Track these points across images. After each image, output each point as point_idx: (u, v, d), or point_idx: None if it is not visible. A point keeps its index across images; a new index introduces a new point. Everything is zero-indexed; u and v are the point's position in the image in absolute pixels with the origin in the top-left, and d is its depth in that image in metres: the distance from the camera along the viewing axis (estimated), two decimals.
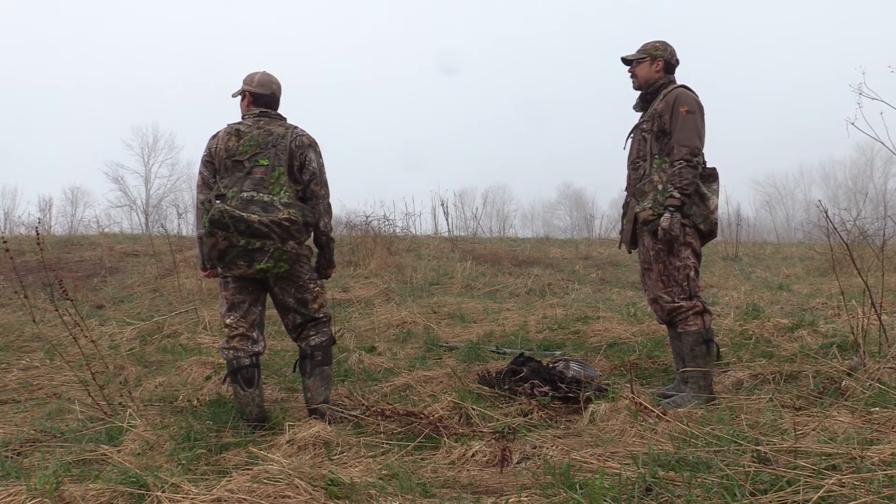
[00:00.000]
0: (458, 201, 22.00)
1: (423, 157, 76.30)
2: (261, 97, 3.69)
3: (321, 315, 3.68)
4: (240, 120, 3.69)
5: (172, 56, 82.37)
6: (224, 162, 3.56)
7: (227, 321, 3.60)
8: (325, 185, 3.68)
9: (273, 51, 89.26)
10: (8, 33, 73.06)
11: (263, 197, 3.48)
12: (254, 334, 3.59)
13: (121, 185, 42.69)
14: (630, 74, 4.02)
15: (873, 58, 5.45)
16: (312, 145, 3.65)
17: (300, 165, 3.59)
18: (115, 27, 75.84)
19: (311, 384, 3.62)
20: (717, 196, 3.83)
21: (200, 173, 3.67)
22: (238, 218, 3.35)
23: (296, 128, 3.66)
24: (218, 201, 3.45)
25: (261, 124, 3.60)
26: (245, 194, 3.48)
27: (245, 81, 3.72)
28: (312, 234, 3.70)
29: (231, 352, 3.55)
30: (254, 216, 3.37)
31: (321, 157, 3.69)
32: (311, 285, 3.65)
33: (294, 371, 3.91)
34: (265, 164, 3.52)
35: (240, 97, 3.75)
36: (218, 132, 3.65)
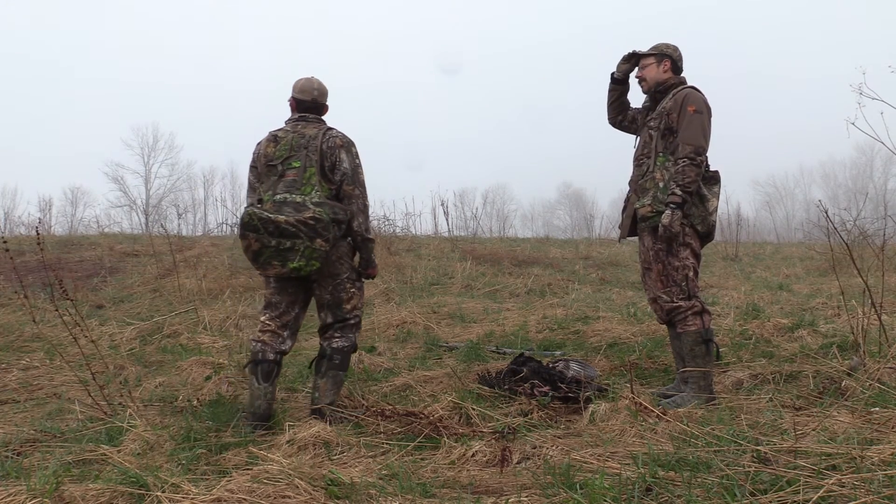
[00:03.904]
0: (458, 201, 22.06)
1: (423, 157, 76.39)
2: (302, 102, 3.82)
3: (351, 318, 3.73)
4: (281, 126, 3.82)
5: (172, 56, 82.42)
6: (263, 167, 3.72)
7: (262, 318, 3.74)
8: (359, 185, 3.72)
9: (273, 50, 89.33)
10: (8, 33, 73.09)
11: (296, 198, 3.58)
12: (284, 333, 3.70)
13: (121, 185, 42.76)
14: (638, 79, 4.02)
15: (873, 58, 5.46)
16: (345, 146, 3.70)
17: (331, 166, 3.66)
18: (114, 26, 75.88)
19: (321, 384, 3.64)
20: (717, 199, 3.83)
21: (248, 179, 3.88)
22: (266, 219, 3.46)
23: (330, 129, 3.75)
24: (257, 205, 3.60)
25: (297, 128, 3.73)
26: (278, 197, 3.60)
27: (292, 87, 3.86)
28: (349, 234, 3.75)
29: (259, 344, 3.66)
30: (281, 217, 3.47)
31: (356, 157, 3.74)
32: (349, 285, 3.72)
33: (309, 367, 3.92)
34: (297, 165, 3.63)
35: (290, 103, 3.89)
36: (261, 139, 3.81)
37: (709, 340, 3.78)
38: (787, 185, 50.91)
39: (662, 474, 2.35)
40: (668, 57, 3.94)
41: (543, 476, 2.58)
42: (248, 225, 3.48)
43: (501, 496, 2.49)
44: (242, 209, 3.74)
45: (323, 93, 3.85)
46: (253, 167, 3.82)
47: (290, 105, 3.86)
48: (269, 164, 3.69)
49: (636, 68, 4.04)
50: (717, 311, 6.23)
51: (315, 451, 3.02)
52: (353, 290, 3.73)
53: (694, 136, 3.71)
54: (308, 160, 3.62)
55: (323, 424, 3.27)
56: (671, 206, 3.68)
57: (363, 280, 3.84)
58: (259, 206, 3.60)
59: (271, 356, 3.63)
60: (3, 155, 54.92)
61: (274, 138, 3.74)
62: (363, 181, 3.75)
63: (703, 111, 3.78)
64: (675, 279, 3.79)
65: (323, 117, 3.87)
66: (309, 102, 3.81)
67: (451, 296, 8.09)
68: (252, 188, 3.82)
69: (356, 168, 3.72)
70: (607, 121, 4.23)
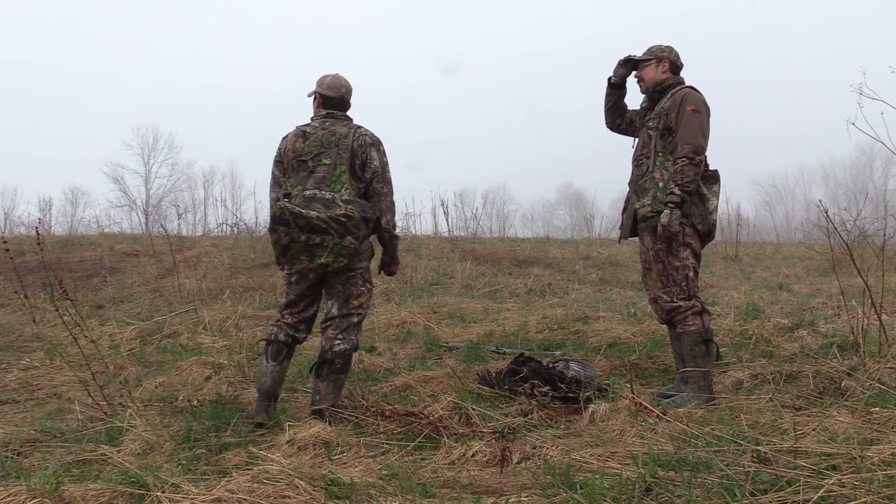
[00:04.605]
0: (458, 201, 22.10)
1: (423, 157, 76.30)
2: (329, 99, 3.84)
3: (355, 315, 3.74)
4: (308, 121, 3.84)
5: (172, 56, 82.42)
6: (291, 162, 3.74)
7: (283, 312, 3.79)
8: (388, 182, 3.77)
9: (273, 51, 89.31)
10: (7, 33, 73.08)
11: (325, 194, 3.61)
12: (300, 327, 3.78)
13: (121, 185, 42.72)
14: (637, 79, 4.03)
15: (874, 58, 5.46)
16: (375, 144, 3.74)
17: (362, 164, 3.70)
18: (114, 26, 75.87)
19: (322, 388, 3.64)
20: (717, 198, 3.84)
21: (272, 173, 3.88)
22: (298, 214, 3.50)
23: (359, 127, 3.78)
24: (285, 199, 3.62)
25: (326, 125, 3.76)
26: (308, 192, 3.63)
27: (317, 83, 3.88)
28: (376, 231, 3.79)
29: (275, 327, 3.76)
30: (312, 213, 3.50)
31: (385, 155, 3.79)
32: (360, 282, 3.74)
33: (310, 371, 3.94)
34: (327, 162, 3.66)
35: (312, 98, 3.90)
36: (287, 134, 3.82)
37: (709, 340, 3.78)
38: (787, 185, 50.97)
39: (662, 474, 2.35)
40: (666, 58, 3.95)
41: (543, 476, 2.58)
42: (280, 219, 3.52)
43: (501, 496, 2.49)
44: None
45: (349, 90, 3.89)
46: (279, 162, 3.84)
47: (316, 101, 3.88)
48: (298, 159, 3.71)
49: (633, 73, 4.06)
50: (717, 311, 6.23)
51: (315, 451, 3.02)
52: (363, 287, 3.75)
53: (692, 136, 3.71)
54: (339, 158, 3.66)
55: (323, 424, 3.26)
56: (670, 205, 3.69)
57: (372, 283, 3.85)
58: (288, 200, 3.62)
59: (283, 337, 3.71)
60: (3, 155, 54.99)
61: (302, 134, 3.76)
62: (391, 179, 3.80)
63: (702, 110, 3.78)
64: (675, 279, 3.79)
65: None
66: (336, 99, 3.84)
67: (451, 296, 8.09)
68: (277, 182, 3.84)
69: (385, 166, 3.77)
70: (605, 125, 4.24)
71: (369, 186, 3.72)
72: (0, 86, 65.87)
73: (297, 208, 3.51)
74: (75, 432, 3.48)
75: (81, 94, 69.91)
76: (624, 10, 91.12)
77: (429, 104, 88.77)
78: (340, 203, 3.57)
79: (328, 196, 3.60)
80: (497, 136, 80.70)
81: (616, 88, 4.14)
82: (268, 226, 3.64)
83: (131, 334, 6.27)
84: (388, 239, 3.84)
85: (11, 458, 3.17)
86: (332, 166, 3.65)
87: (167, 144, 45.11)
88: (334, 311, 3.72)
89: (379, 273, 4.00)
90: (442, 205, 14.83)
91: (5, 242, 4.07)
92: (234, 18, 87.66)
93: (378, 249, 3.92)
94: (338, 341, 3.68)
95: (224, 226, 16.55)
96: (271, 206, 3.73)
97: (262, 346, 3.76)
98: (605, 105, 4.18)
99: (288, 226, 3.51)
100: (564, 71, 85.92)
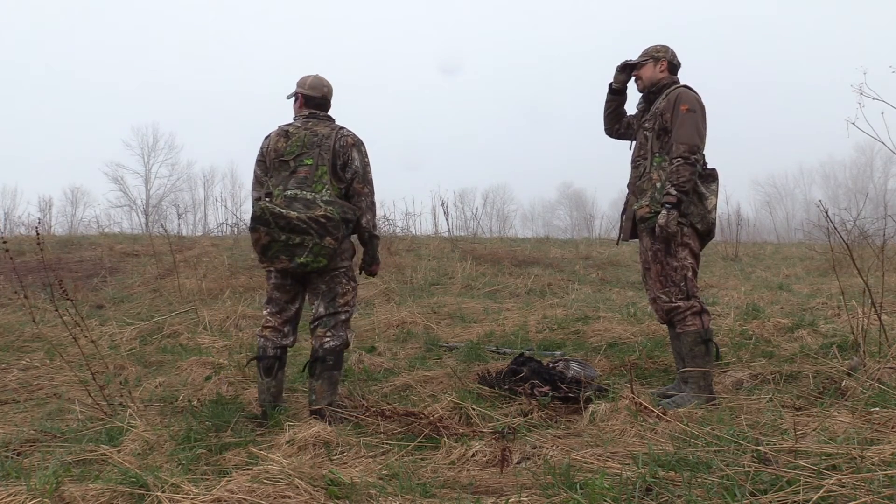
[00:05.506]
0: (458, 201, 22.11)
1: (423, 157, 76.29)
2: (311, 99, 3.86)
3: (342, 312, 3.74)
4: (290, 121, 3.85)
5: (172, 56, 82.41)
6: (273, 162, 3.76)
7: (264, 312, 3.83)
8: (368, 183, 3.78)
9: (273, 51, 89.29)
10: (7, 33, 73.09)
11: (306, 195, 3.63)
12: (285, 329, 3.79)
13: (121, 186, 42.70)
14: (634, 78, 4.04)
15: (874, 58, 5.46)
16: (356, 145, 3.76)
17: (343, 164, 3.72)
18: (114, 26, 75.85)
19: (317, 387, 3.64)
20: (716, 196, 3.84)
21: (254, 171, 3.89)
22: (278, 214, 3.52)
23: (342, 128, 3.80)
24: (266, 199, 3.65)
25: (308, 125, 3.77)
26: (289, 192, 3.65)
27: (298, 84, 3.89)
28: (356, 231, 3.80)
29: (262, 339, 3.78)
30: (293, 213, 3.52)
31: (366, 156, 3.81)
32: (344, 280, 3.75)
33: (303, 371, 3.95)
34: (309, 163, 3.68)
35: (293, 99, 3.91)
36: (270, 133, 3.84)
37: (708, 340, 3.78)
38: (787, 185, 50.98)
39: (662, 474, 2.35)
40: (663, 57, 3.96)
41: (543, 476, 2.58)
42: (260, 219, 3.54)
43: (501, 496, 2.49)
44: (250, 203, 3.79)
45: (331, 90, 3.92)
46: (261, 161, 3.85)
47: (298, 101, 3.89)
48: (280, 159, 3.72)
49: (632, 77, 4.07)
50: (717, 311, 6.23)
51: (315, 451, 3.02)
52: (347, 286, 3.76)
53: (688, 136, 3.71)
54: (320, 159, 3.67)
55: (323, 424, 3.27)
56: (666, 206, 3.69)
57: (357, 281, 3.85)
58: (269, 200, 3.64)
59: (271, 352, 3.73)
60: (3, 155, 55.00)
61: (285, 133, 3.77)
62: (371, 179, 3.81)
63: (697, 110, 3.77)
64: (673, 279, 3.79)
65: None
66: (319, 99, 3.86)
67: (451, 296, 8.09)
68: (259, 181, 3.85)
69: (366, 167, 3.78)
70: (604, 131, 4.25)
71: (350, 187, 3.73)
72: (0, 86, 65.91)
73: (278, 208, 3.52)
74: (75, 432, 3.48)
75: (81, 95, 69.92)
76: (625, 11, 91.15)
77: (429, 104, 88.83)
78: (321, 204, 3.58)
79: (309, 196, 3.61)
80: (497, 137, 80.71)
81: (617, 94, 4.14)
82: (248, 225, 3.67)
83: (131, 334, 6.28)
84: (369, 238, 3.86)
85: (11, 458, 3.17)
86: (313, 167, 3.67)
87: (167, 144, 45.12)
88: (321, 310, 3.72)
89: (360, 273, 3.99)
90: (442, 205, 14.86)
91: (5, 242, 4.07)
92: (234, 19, 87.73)
93: (360, 249, 3.92)
94: (327, 338, 3.68)
95: (224, 226, 16.57)
96: (253, 206, 3.74)
97: (257, 346, 3.75)
98: (605, 111, 4.19)
99: (268, 225, 3.52)
100: (565, 71, 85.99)
